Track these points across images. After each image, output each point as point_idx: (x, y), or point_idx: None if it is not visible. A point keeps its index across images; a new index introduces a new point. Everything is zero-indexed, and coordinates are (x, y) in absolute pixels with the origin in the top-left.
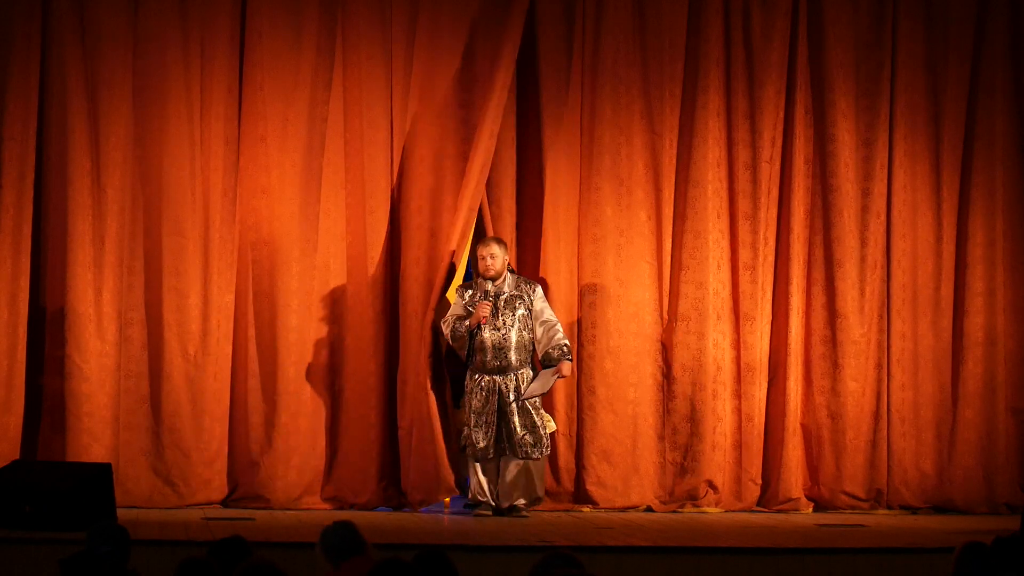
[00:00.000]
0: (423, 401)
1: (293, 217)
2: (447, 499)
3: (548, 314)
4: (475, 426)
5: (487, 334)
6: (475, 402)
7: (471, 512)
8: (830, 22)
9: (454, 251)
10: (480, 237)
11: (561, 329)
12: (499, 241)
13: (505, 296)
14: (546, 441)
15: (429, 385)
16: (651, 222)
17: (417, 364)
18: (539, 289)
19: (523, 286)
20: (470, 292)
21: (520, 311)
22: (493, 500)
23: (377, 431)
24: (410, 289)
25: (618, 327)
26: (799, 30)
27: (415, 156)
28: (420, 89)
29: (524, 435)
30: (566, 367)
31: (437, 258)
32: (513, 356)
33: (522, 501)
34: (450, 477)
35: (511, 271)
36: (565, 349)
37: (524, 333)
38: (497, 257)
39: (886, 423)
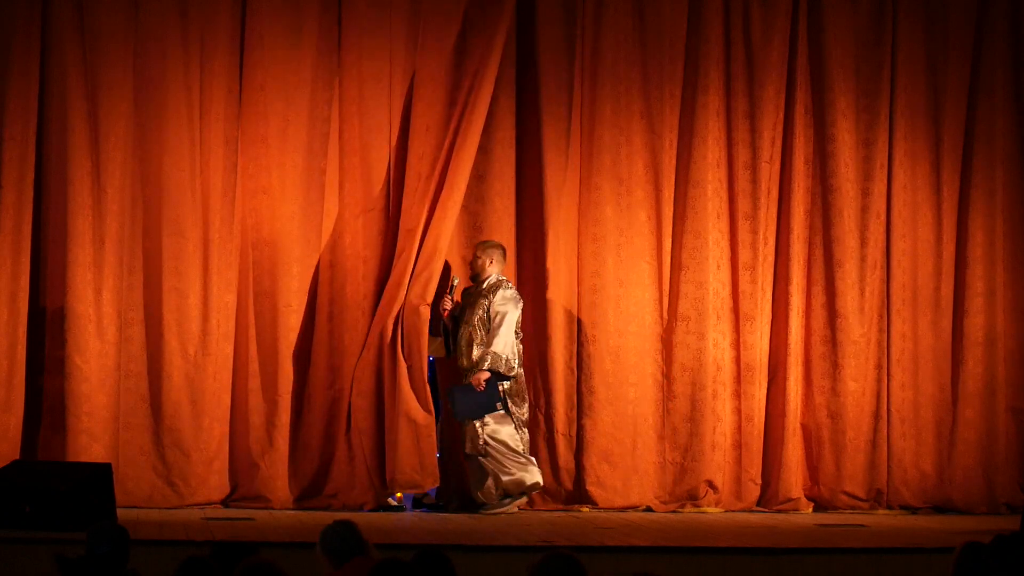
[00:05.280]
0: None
1: (294, 217)
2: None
3: (498, 319)
4: None
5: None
6: None
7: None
8: (830, 22)
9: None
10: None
11: (502, 338)
12: (482, 244)
13: (472, 296)
14: (477, 435)
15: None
16: (651, 222)
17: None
18: (503, 292)
19: (495, 287)
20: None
21: (478, 313)
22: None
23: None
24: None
25: (618, 327)
26: (799, 30)
27: (415, 155)
28: (421, 89)
29: (465, 429)
30: (478, 376)
31: (425, 258)
32: (464, 359)
33: (479, 497)
34: (372, 475)
35: (502, 278)
36: (489, 359)
37: (477, 334)
38: (477, 259)
39: (886, 423)
